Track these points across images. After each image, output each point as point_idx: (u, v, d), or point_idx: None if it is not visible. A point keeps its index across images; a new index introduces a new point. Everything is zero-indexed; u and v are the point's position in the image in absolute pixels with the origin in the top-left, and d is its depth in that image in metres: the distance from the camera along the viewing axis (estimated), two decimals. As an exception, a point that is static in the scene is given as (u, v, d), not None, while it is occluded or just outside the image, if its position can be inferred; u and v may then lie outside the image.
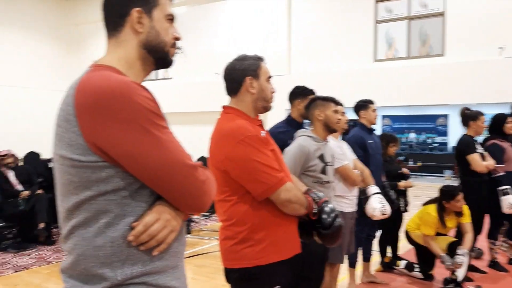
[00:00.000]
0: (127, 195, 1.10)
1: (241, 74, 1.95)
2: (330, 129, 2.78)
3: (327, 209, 1.96)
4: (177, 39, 1.29)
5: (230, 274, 1.96)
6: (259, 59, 2.00)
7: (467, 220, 4.24)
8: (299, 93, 3.25)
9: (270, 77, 2.02)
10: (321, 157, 2.65)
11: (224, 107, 2.02)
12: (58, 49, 15.52)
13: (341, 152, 3.26)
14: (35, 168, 6.99)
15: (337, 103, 2.85)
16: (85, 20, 15.45)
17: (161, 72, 13.41)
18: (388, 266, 4.77)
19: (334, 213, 1.97)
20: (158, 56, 1.25)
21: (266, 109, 2.02)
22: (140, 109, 1.06)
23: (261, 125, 2.00)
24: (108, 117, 1.05)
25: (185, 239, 1.27)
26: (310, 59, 11.58)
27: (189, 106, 12.93)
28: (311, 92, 3.24)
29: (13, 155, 6.32)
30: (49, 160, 7.70)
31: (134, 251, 1.11)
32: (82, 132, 1.06)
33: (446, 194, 4.15)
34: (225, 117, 1.97)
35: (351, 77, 10.72)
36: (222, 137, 1.88)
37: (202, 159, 8.36)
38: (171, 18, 1.27)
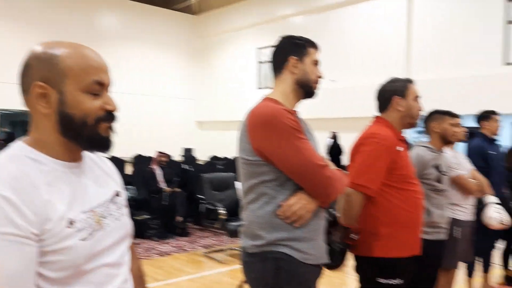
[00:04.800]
0: (278, 184, 1.64)
1: (390, 94, 2.21)
2: (446, 141, 2.94)
3: None
4: (319, 77, 1.79)
5: (358, 261, 2.20)
6: (408, 81, 2.24)
7: None
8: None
9: (417, 96, 2.23)
10: (437, 167, 2.79)
11: (376, 116, 2.28)
12: (184, 60, 17.03)
13: (456, 162, 3.36)
14: (172, 169, 7.97)
15: (454, 115, 2.98)
16: (208, 33, 16.78)
17: None
18: (511, 280, 4.55)
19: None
20: (306, 89, 1.78)
21: (412, 125, 2.26)
22: (286, 127, 1.61)
23: (403, 140, 2.20)
24: (266, 132, 1.62)
25: (323, 222, 1.75)
26: (431, 64, 11.05)
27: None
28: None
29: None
30: (183, 163, 8.65)
31: (281, 222, 1.63)
32: (251, 141, 1.65)
33: None
34: (375, 125, 2.23)
35: (476, 82, 10.02)
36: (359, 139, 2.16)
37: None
38: (316, 63, 1.79)
